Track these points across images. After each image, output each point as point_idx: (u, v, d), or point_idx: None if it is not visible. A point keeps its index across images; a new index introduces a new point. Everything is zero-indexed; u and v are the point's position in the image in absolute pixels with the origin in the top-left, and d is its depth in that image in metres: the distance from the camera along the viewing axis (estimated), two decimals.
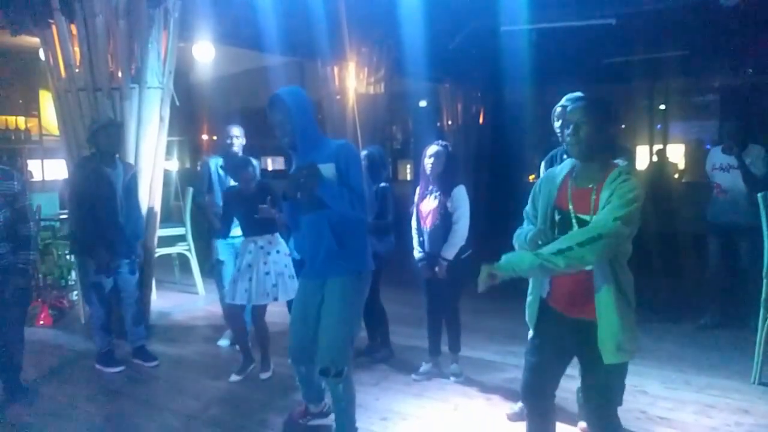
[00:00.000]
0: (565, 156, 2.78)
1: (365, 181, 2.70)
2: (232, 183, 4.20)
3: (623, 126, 9.65)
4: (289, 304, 3.79)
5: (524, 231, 2.25)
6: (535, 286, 2.30)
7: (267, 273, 3.78)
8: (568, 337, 2.17)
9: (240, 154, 4.42)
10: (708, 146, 9.33)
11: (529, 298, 2.33)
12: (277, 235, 3.88)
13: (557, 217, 2.16)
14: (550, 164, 2.95)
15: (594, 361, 2.08)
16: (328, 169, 2.59)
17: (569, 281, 2.12)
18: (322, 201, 2.60)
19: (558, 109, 3.06)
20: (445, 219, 3.63)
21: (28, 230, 3.44)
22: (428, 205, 3.70)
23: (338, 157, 2.64)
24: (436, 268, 3.64)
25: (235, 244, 4.28)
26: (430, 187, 3.72)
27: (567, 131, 2.09)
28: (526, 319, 2.34)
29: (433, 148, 3.69)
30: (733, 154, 4.37)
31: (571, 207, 2.11)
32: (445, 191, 3.66)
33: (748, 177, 4.30)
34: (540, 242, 2.11)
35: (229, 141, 4.44)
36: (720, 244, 4.60)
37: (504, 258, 2.03)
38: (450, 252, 3.62)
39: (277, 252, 3.85)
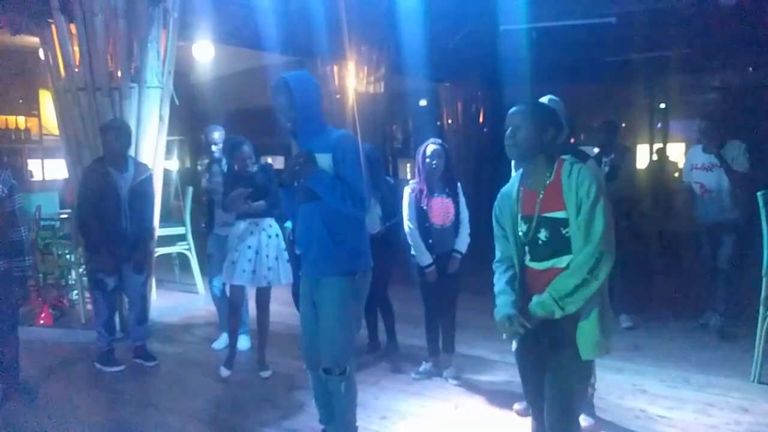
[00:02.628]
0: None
1: (362, 174, 2.57)
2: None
3: (624, 125, 9.65)
4: (296, 300, 3.80)
5: (500, 281, 2.25)
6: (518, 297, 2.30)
7: (267, 255, 3.81)
8: (543, 338, 2.16)
9: (221, 158, 4.40)
10: None
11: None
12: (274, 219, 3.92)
13: (524, 225, 2.18)
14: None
15: (568, 357, 2.08)
16: (324, 160, 2.56)
17: (545, 285, 2.11)
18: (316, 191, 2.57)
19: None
20: (457, 216, 3.71)
21: (19, 235, 3.32)
22: (440, 204, 3.70)
23: (336, 148, 2.57)
24: (449, 265, 3.67)
25: (220, 236, 4.30)
26: (435, 187, 3.71)
27: (506, 133, 2.14)
28: None
29: (432, 147, 3.69)
30: (712, 152, 4.37)
31: (528, 209, 2.16)
32: (453, 189, 3.73)
33: (731, 174, 4.31)
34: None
35: (212, 149, 4.43)
36: (710, 244, 4.59)
37: (535, 305, 2.08)
38: (463, 246, 3.71)
39: (277, 236, 3.89)
